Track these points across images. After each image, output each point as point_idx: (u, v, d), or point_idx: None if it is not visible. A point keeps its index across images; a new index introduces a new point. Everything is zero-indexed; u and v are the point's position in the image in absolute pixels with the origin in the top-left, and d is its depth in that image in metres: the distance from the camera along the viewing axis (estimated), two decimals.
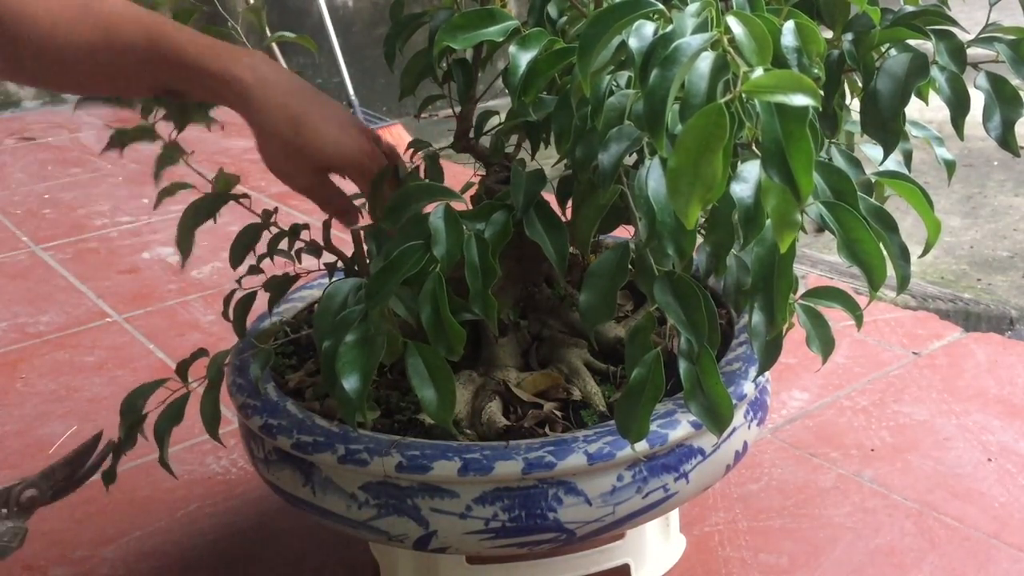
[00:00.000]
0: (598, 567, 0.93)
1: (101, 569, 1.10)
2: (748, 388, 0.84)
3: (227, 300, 0.92)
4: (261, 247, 0.93)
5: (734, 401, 0.74)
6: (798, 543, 1.09)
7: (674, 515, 1.03)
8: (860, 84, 0.76)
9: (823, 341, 0.78)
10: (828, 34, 0.75)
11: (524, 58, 0.73)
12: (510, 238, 0.77)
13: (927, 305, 1.87)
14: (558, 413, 0.83)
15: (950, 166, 0.85)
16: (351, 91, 2.99)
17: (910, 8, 0.75)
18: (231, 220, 0.93)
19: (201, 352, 0.88)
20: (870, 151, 0.81)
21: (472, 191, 0.88)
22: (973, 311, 1.94)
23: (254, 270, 0.93)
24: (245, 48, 0.83)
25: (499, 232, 0.77)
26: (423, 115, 0.98)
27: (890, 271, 0.68)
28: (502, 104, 0.79)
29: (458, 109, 0.91)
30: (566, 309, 0.93)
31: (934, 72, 0.73)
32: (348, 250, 0.91)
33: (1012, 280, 2.24)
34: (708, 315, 0.69)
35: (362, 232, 0.85)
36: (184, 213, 0.90)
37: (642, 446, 0.77)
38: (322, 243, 0.93)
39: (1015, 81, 0.75)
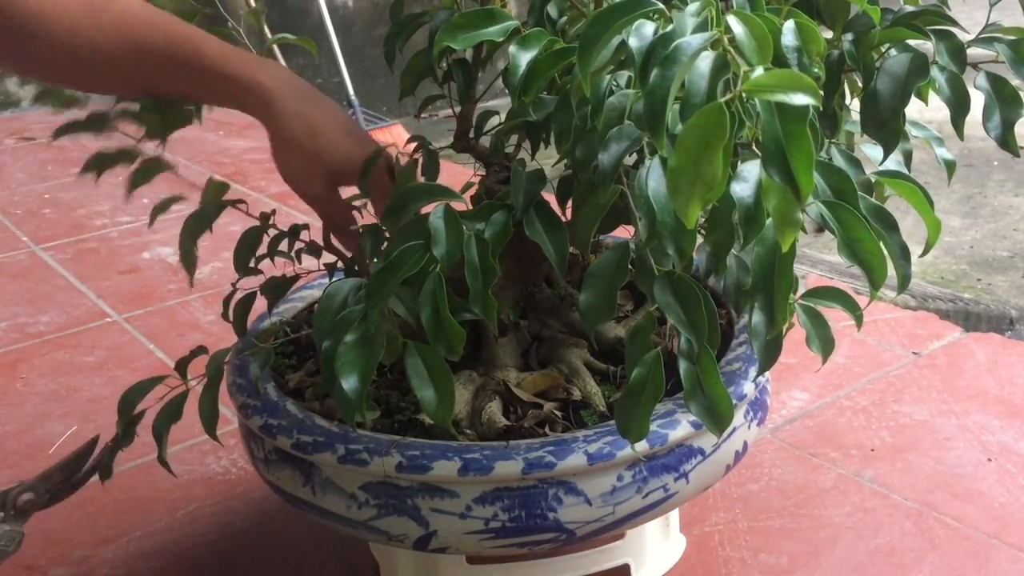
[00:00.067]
0: (598, 567, 0.93)
1: (101, 569, 1.10)
2: (748, 388, 0.84)
3: (227, 300, 0.92)
4: (261, 248, 0.93)
5: (734, 401, 0.74)
6: (798, 543, 1.08)
7: (674, 515, 1.03)
8: (860, 84, 0.76)
9: (823, 341, 0.78)
10: (828, 34, 0.75)
11: (524, 58, 0.73)
12: (510, 238, 0.77)
13: (927, 305, 1.87)
14: (558, 413, 0.83)
15: (950, 166, 0.85)
16: (351, 91, 2.99)
17: (910, 8, 0.75)
18: (231, 220, 0.93)
19: (200, 350, 0.88)
20: (870, 151, 0.81)
21: (472, 191, 0.88)
22: (973, 311, 1.94)
23: (253, 271, 0.93)
24: (260, 56, 0.84)
25: (499, 232, 0.77)
26: (423, 115, 0.98)
27: (890, 271, 0.68)
28: (502, 104, 0.79)
29: (458, 109, 0.91)
30: (566, 309, 0.93)
31: (934, 72, 0.73)
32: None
33: (1012, 280, 2.24)
34: (708, 315, 0.69)
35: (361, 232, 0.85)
36: (183, 228, 0.90)
37: (642, 446, 0.77)
38: (322, 243, 0.93)
39: (1015, 81, 0.75)
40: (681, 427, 0.80)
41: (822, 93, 0.59)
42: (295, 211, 2.06)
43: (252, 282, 0.93)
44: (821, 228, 0.67)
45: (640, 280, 0.71)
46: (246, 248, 0.91)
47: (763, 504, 1.15)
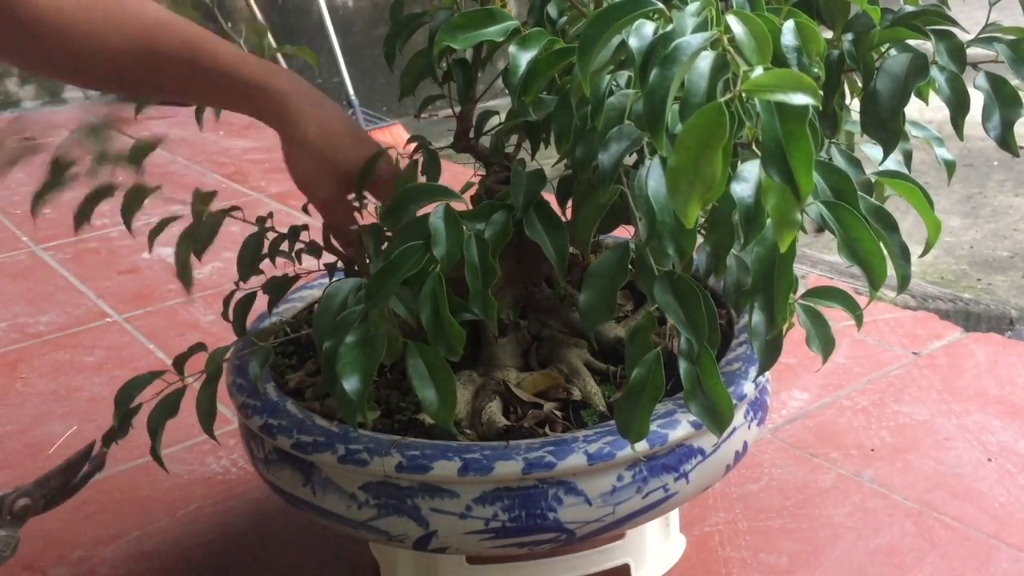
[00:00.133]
0: (598, 567, 0.93)
1: (101, 569, 1.10)
2: (748, 388, 0.84)
3: (227, 300, 0.92)
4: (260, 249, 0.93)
5: (734, 401, 0.74)
6: (798, 543, 1.08)
7: (674, 515, 1.03)
8: (860, 84, 0.76)
9: (823, 341, 0.78)
10: (828, 34, 0.75)
11: (524, 58, 0.73)
12: (510, 238, 0.77)
13: (927, 305, 1.87)
14: (558, 413, 0.83)
15: (950, 166, 0.85)
16: (351, 91, 2.99)
17: (910, 8, 0.75)
18: (230, 220, 0.93)
19: (199, 347, 0.88)
20: (870, 151, 0.81)
21: (472, 191, 0.88)
22: (973, 311, 1.94)
23: (254, 270, 0.93)
24: (271, 62, 0.85)
25: (499, 232, 0.77)
26: (423, 115, 0.98)
27: (890, 271, 0.68)
28: (502, 104, 0.79)
29: (458, 109, 0.91)
30: (566, 309, 0.93)
31: (934, 72, 0.73)
32: None
33: (1012, 280, 2.24)
34: (708, 315, 0.69)
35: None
36: (178, 244, 0.90)
37: (642, 446, 0.77)
38: (322, 243, 0.93)
39: (1015, 81, 0.75)
40: (681, 427, 0.80)
41: (822, 93, 0.59)
42: (295, 211, 2.06)
43: (252, 282, 0.93)
44: (821, 228, 0.67)
45: (640, 280, 0.71)
46: (249, 255, 0.91)
47: (763, 504, 1.15)
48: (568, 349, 0.90)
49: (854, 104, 0.80)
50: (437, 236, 0.74)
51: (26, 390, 1.50)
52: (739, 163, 0.59)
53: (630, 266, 0.71)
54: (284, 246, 0.93)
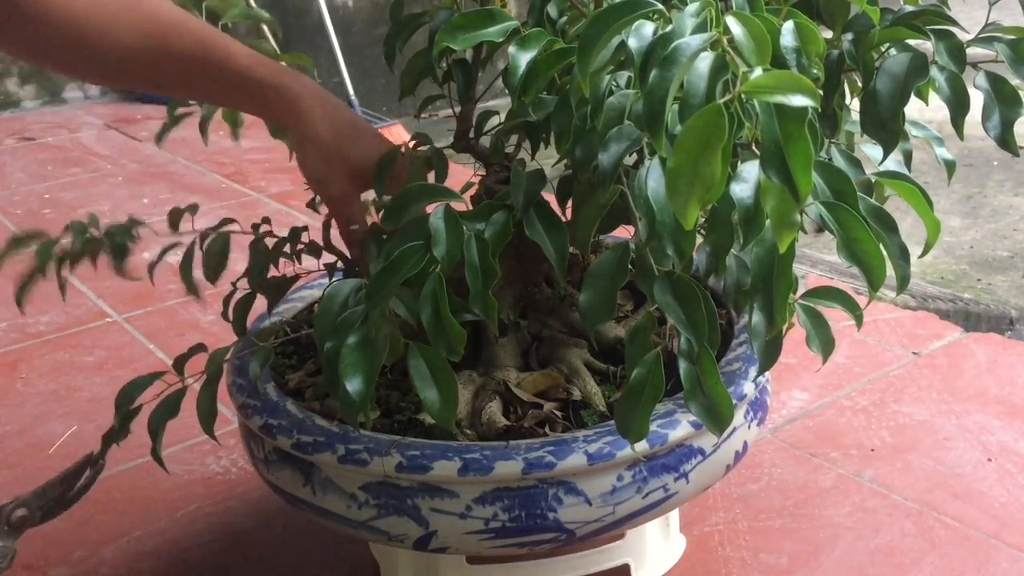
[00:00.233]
0: (598, 567, 0.93)
1: (101, 569, 1.10)
2: (748, 388, 0.84)
3: (227, 300, 0.92)
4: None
5: (734, 401, 0.74)
6: (798, 543, 1.09)
7: (674, 515, 1.03)
8: (860, 84, 0.76)
9: (823, 341, 0.78)
10: (828, 34, 0.75)
11: (524, 58, 0.73)
12: (510, 238, 0.77)
13: (927, 305, 1.87)
14: (558, 413, 0.83)
15: (950, 166, 0.85)
16: (351, 91, 2.99)
17: (910, 8, 0.75)
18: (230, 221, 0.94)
19: (199, 347, 0.88)
20: (870, 151, 0.81)
21: (472, 191, 0.88)
22: (973, 311, 1.94)
23: (264, 277, 0.93)
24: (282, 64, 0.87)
25: (499, 232, 0.77)
26: (423, 115, 0.98)
27: (890, 271, 0.68)
28: (502, 104, 0.79)
29: (458, 109, 0.91)
30: (566, 309, 0.93)
31: (934, 72, 0.73)
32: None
33: (1012, 280, 2.24)
34: (708, 315, 0.69)
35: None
36: (181, 268, 0.91)
37: (642, 446, 0.77)
38: (322, 243, 0.93)
39: (1014, 81, 0.75)
40: (681, 427, 0.80)
41: (821, 93, 0.59)
42: (295, 211, 2.06)
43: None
44: (821, 228, 0.67)
45: (640, 280, 0.71)
46: (259, 265, 0.91)
47: (763, 504, 1.15)
48: (568, 349, 0.90)
49: (854, 104, 0.80)
50: (437, 236, 0.74)
51: (26, 390, 1.50)
52: (739, 163, 0.59)
53: (630, 266, 0.72)
54: (286, 248, 0.93)
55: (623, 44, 0.62)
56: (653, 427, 0.77)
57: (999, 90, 0.75)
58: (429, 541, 0.80)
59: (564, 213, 0.80)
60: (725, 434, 0.83)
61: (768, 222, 0.58)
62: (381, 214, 0.82)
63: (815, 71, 0.63)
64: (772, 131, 0.54)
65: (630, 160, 0.71)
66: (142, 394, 0.86)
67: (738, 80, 0.54)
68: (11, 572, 1.08)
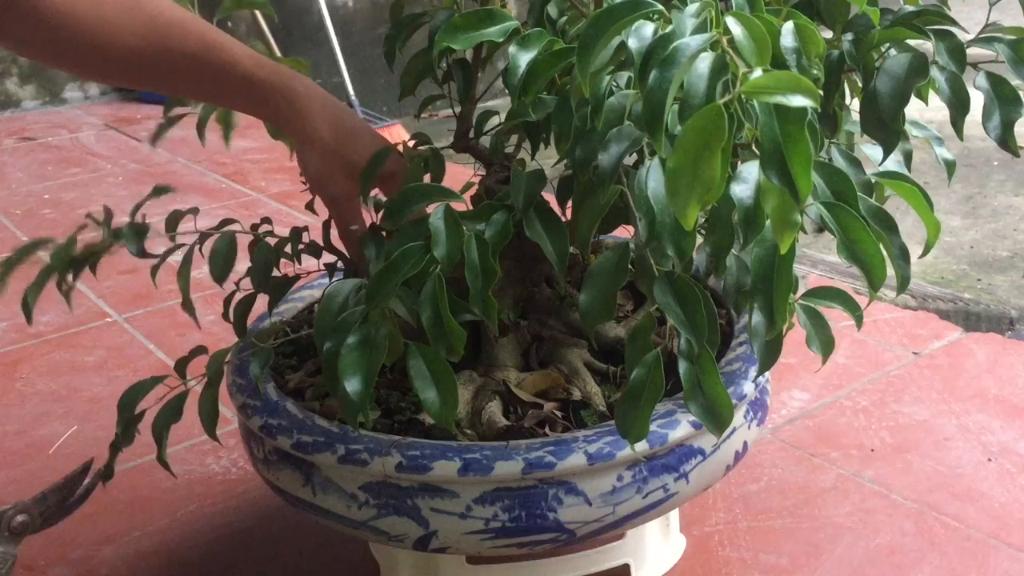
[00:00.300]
0: (598, 567, 0.93)
1: (101, 569, 1.10)
2: (748, 388, 0.84)
3: (227, 300, 0.92)
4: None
5: (734, 401, 0.75)
6: (798, 543, 1.09)
7: (674, 515, 1.03)
8: (860, 84, 0.76)
9: (823, 341, 0.78)
10: (828, 34, 0.75)
11: (524, 58, 0.73)
12: (510, 238, 0.77)
13: (927, 305, 1.87)
14: (558, 413, 0.83)
15: (950, 166, 0.85)
16: (351, 91, 2.99)
17: (910, 8, 0.75)
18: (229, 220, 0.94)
19: (200, 350, 0.88)
20: (870, 151, 0.81)
21: (472, 191, 0.88)
22: (973, 311, 1.94)
23: (268, 278, 0.93)
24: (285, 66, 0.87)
25: (499, 232, 0.77)
26: (423, 115, 0.98)
27: (890, 271, 0.68)
28: (502, 104, 0.79)
29: (458, 109, 0.91)
30: (566, 309, 0.93)
31: (934, 72, 0.73)
32: None
33: (1012, 280, 2.24)
34: (708, 315, 0.69)
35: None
36: (178, 277, 0.90)
37: (642, 446, 0.77)
38: (322, 243, 0.93)
39: (1015, 81, 0.75)
40: (681, 427, 0.80)
41: (821, 94, 0.59)
42: (295, 211, 2.06)
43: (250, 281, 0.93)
44: (821, 228, 0.67)
45: (640, 280, 0.71)
46: (262, 267, 0.91)
47: (763, 504, 1.15)
48: (568, 349, 0.90)
49: (854, 104, 0.80)
50: (437, 236, 0.74)
51: (26, 390, 1.50)
52: (739, 164, 0.59)
53: (630, 266, 0.72)
54: (287, 248, 0.93)
55: (623, 44, 0.62)
56: (653, 427, 0.77)
57: (999, 90, 0.75)
58: (429, 541, 0.80)
59: (564, 213, 0.80)
60: (725, 434, 0.83)
61: (768, 222, 0.58)
62: (381, 214, 0.82)
63: (815, 71, 0.63)
64: (772, 131, 0.54)
65: (630, 160, 0.71)
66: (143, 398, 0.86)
67: (738, 80, 0.54)
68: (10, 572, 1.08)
